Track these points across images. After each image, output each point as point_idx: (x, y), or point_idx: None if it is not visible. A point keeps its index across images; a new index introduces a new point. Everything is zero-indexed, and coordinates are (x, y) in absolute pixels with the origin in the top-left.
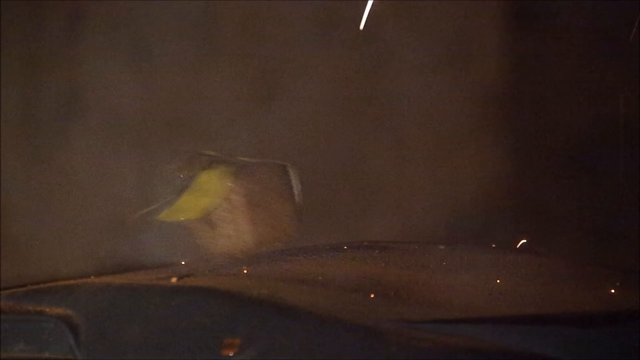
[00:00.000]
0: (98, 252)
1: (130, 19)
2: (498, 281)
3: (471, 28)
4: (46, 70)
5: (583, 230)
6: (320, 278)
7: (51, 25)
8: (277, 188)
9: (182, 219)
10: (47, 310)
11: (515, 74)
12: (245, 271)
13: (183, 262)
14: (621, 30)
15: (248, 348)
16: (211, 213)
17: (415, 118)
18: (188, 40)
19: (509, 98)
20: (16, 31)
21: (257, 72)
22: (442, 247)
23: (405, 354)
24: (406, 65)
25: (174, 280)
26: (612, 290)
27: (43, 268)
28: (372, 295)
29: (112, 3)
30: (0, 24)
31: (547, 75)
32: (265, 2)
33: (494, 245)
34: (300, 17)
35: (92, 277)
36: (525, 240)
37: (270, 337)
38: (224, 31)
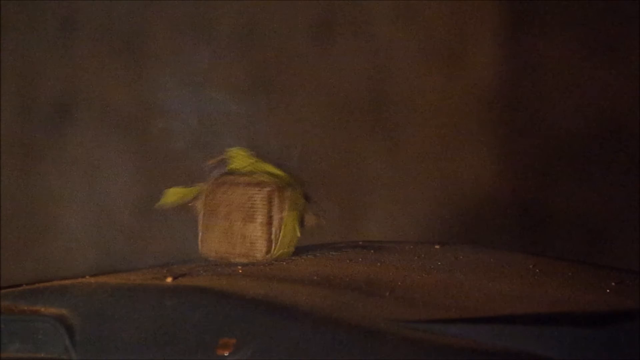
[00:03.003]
0: (95, 251)
1: (127, 20)
2: (494, 281)
3: (470, 28)
4: (44, 70)
5: (582, 231)
6: (315, 278)
7: (48, 25)
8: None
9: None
10: (43, 310)
11: (514, 74)
12: (240, 271)
13: (178, 262)
14: (621, 30)
15: (243, 348)
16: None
17: (412, 118)
18: (185, 40)
19: (507, 98)
20: (14, 31)
21: (255, 72)
22: (437, 246)
23: (401, 353)
24: (404, 65)
25: (169, 280)
26: (611, 290)
27: (39, 268)
28: (367, 295)
29: (109, 3)
30: (0, 25)
31: (546, 76)
32: (264, 2)
33: (490, 245)
34: (299, 17)
35: (88, 277)
36: (521, 240)
37: (265, 337)
38: (222, 32)
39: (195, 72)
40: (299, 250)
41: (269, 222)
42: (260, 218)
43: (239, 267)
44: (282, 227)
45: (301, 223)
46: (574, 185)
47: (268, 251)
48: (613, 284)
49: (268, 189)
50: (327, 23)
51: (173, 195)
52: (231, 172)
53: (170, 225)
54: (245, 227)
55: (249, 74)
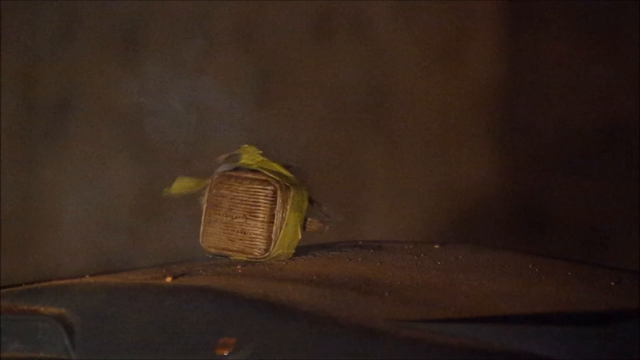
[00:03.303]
0: (93, 251)
1: (127, 20)
2: (494, 281)
3: (469, 28)
4: (44, 70)
5: (582, 231)
6: (315, 277)
7: (48, 25)
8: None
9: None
10: (42, 309)
11: (514, 74)
12: (240, 270)
13: (178, 262)
14: (621, 30)
15: (243, 347)
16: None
17: (412, 118)
18: (185, 40)
19: (507, 98)
20: (14, 31)
21: (254, 73)
22: (437, 246)
23: (400, 353)
24: (403, 65)
25: (168, 279)
26: (611, 290)
27: (39, 268)
28: (367, 295)
29: (109, 3)
30: (0, 25)
31: (546, 76)
32: (264, 2)
33: (489, 245)
34: (299, 16)
35: (87, 276)
36: (521, 240)
37: (265, 336)
38: (222, 32)
39: (195, 72)
40: (299, 250)
41: (271, 221)
42: (262, 216)
43: (239, 267)
44: (283, 227)
45: (303, 226)
46: (573, 185)
47: (267, 249)
48: (613, 283)
49: (272, 187)
50: (327, 23)
51: (182, 183)
52: (239, 168)
53: (170, 225)
54: (246, 223)
55: (248, 74)
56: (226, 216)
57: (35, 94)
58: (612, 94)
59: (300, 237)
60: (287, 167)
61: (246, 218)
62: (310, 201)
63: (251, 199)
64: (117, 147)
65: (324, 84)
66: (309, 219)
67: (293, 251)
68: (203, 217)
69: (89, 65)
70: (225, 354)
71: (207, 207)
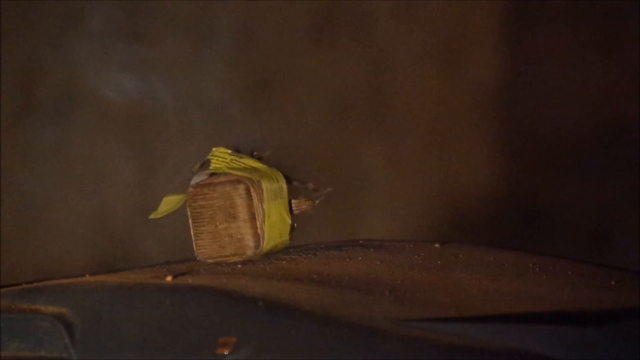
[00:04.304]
0: (94, 250)
1: (127, 20)
2: (494, 280)
3: (469, 27)
4: (44, 71)
5: (582, 231)
6: (315, 277)
7: (48, 25)
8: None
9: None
10: (42, 308)
11: (514, 74)
12: (240, 270)
13: (178, 261)
14: (621, 29)
15: (243, 347)
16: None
17: (411, 117)
18: (185, 40)
19: (507, 97)
20: (14, 31)
21: (254, 72)
22: (437, 245)
23: (400, 352)
24: (403, 64)
25: (169, 278)
26: (611, 290)
27: (39, 267)
28: (367, 294)
29: (109, 3)
30: (0, 24)
31: (546, 75)
32: (263, 2)
33: (489, 244)
34: (298, 16)
35: (87, 275)
36: (521, 239)
37: (265, 335)
38: (221, 32)
39: (194, 72)
40: (299, 249)
41: (252, 218)
42: (242, 215)
43: (239, 266)
44: (266, 219)
45: (291, 210)
46: (574, 185)
47: (257, 246)
48: (613, 282)
49: (244, 185)
50: (326, 23)
51: (167, 204)
52: (211, 174)
53: (170, 224)
54: (230, 227)
55: (248, 74)
56: (210, 225)
57: (36, 92)
58: (612, 94)
59: (290, 221)
60: (258, 158)
61: (228, 222)
62: (290, 181)
63: (227, 203)
64: (117, 145)
65: (324, 83)
66: (295, 201)
67: (288, 238)
68: (191, 233)
69: (89, 64)
70: (225, 354)
71: (191, 222)
